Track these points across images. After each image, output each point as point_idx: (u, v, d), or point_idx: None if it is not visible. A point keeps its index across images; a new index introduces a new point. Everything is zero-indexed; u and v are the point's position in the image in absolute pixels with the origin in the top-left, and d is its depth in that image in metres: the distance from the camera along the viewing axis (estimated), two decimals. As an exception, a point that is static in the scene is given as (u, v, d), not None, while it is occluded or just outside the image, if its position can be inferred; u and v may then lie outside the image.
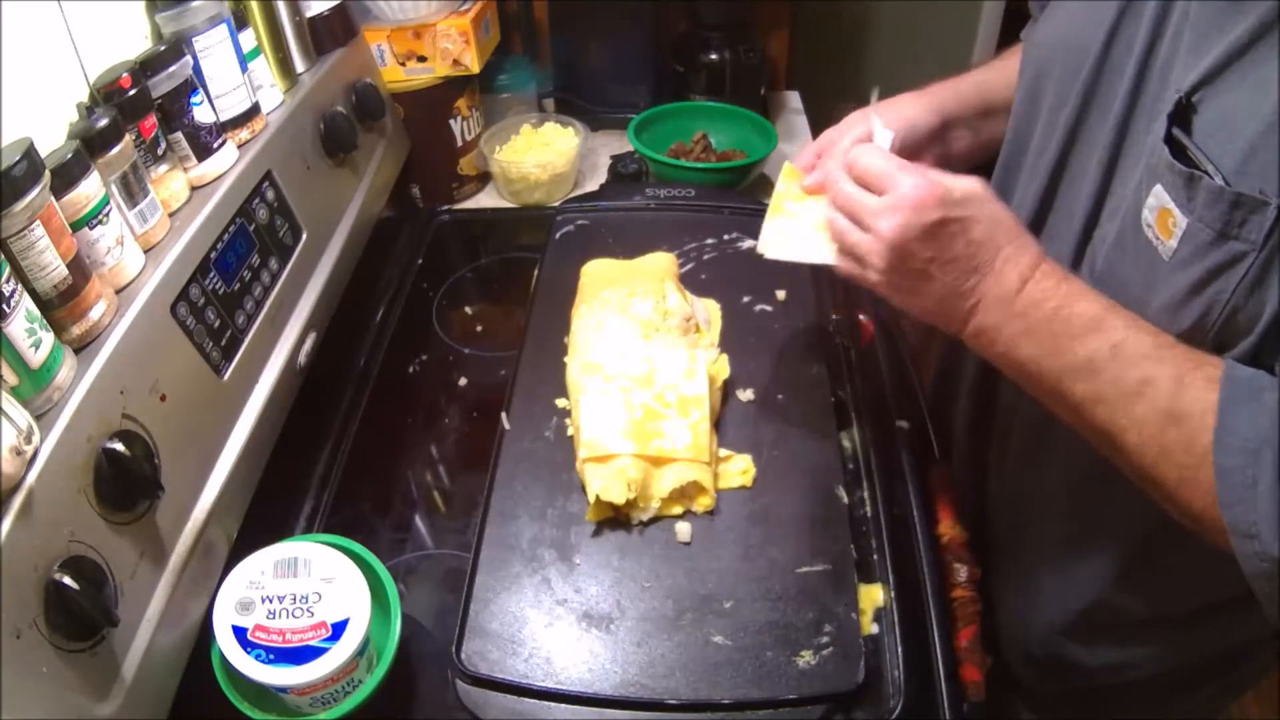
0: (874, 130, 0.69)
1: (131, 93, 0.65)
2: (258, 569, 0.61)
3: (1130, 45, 0.59)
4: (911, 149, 0.73)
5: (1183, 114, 0.52)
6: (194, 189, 0.72)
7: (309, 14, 0.92)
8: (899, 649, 0.63)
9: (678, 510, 0.70)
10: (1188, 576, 0.71)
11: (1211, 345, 0.53)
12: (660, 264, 0.91)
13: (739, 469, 0.73)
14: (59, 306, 0.55)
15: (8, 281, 0.50)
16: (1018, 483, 0.81)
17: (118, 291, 0.62)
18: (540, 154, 1.18)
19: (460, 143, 1.17)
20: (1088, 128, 0.64)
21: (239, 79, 0.77)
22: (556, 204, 1.13)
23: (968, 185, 0.57)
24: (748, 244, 0.98)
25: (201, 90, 0.73)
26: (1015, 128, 0.75)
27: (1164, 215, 0.53)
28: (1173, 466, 0.51)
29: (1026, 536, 0.81)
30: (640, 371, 0.76)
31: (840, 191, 0.61)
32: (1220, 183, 0.48)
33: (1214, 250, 0.50)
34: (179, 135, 0.71)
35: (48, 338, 0.53)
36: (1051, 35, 0.69)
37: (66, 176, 0.57)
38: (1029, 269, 0.56)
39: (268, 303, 0.76)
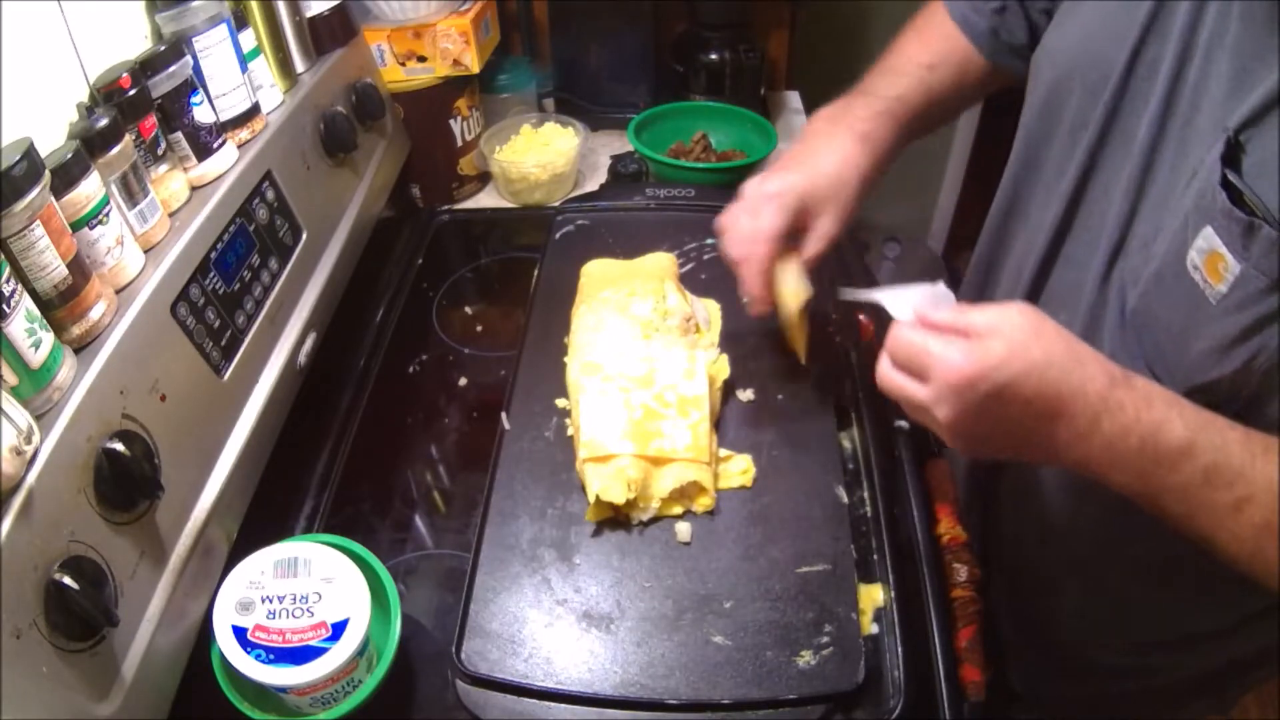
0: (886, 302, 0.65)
1: (131, 93, 0.65)
2: (258, 569, 0.61)
3: (1155, 67, 0.58)
4: (846, 212, 0.72)
5: (1231, 153, 0.50)
6: (194, 189, 0.72)
7: (309, 14, 0.92)
8: (899, 649, 0.63)
9: (678, 510, 0.70)
10: (1210, 595, 0.70)
11: (1258, 386, 0.52)
12: (660, 264, 0.91)
13: (739, 469, 0.73)
14: (59, 306, 0.55)
15: (8, 281, 0.50)
16: (1032, 495, 0.79)
17: (118, 291, 0.62)
18: (540, 154, 1.18)
19: (460, 143, 1.17)
20: (1109, 153, 0.63)
21: (239, 79, 0.77)
22: (556, 204, 1.13)
23: (1009, 336, 0.51)
24: (748, 244, 0.98)
25: (201, 90, 0.73)
26: (1026, 144, 0.73)
27: (1214, 259, 0.51)
28: (1273, 561, 0.50)
29: (1039, 544, 0.80)
30: (640, 371, 0.76)
31: (887, 381, 0.58)
32: (1275, 230, 0.47)
33: (1268, 297, 0.49)
34: (179, 135, 0.71)
35: (48, 338, 0.53)
36: (1067, 48, 0.66)
37: (66, 176, 0.57)
38: (1099, 403, 0.51)
39: (268, 303, 0.76)
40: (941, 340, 0.53)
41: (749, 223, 0.70)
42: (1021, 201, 0.76)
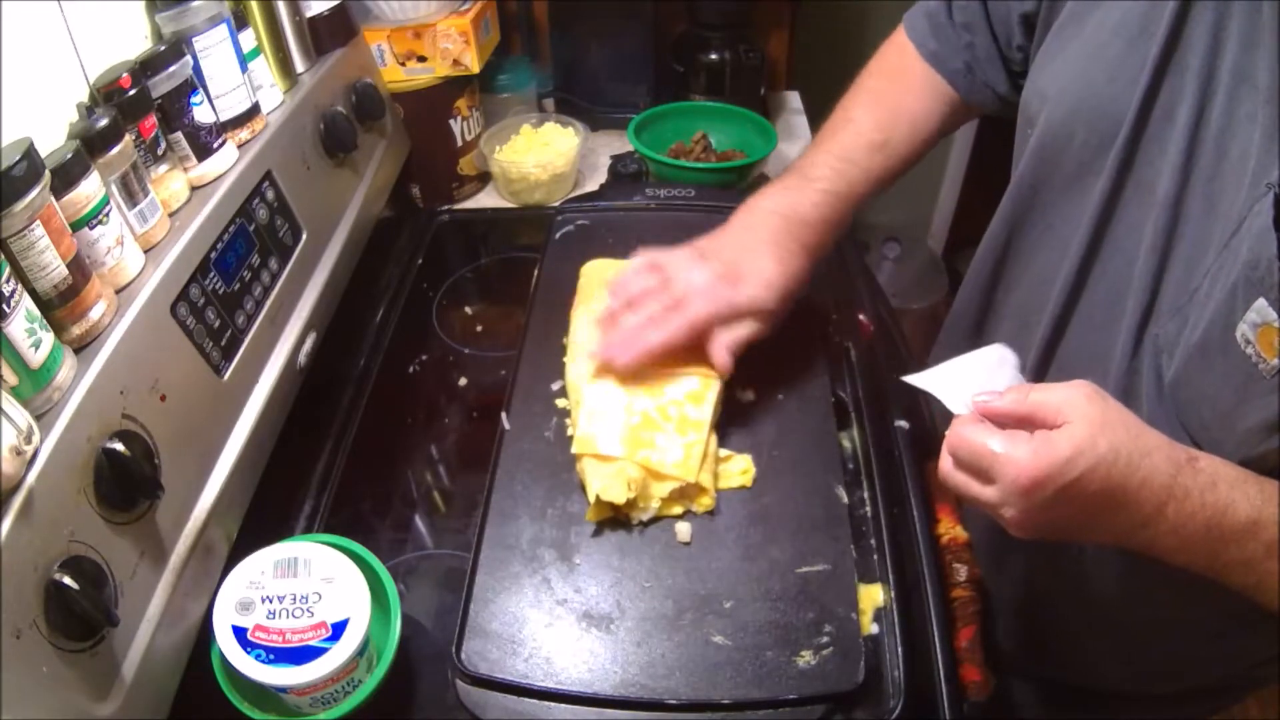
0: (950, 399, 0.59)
1: (131, 93, 0.65)
2: (258, 569, 0.61)
3: (1171, 113, 0.55)
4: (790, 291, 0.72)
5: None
6: (194, 189, 0.72)
7: (309, 14, 0.92)
8: (899, 649, 0.63)
9: (678, 510, 0.70)
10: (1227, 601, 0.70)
11: None
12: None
13: (739, 469, 0.73)
14: (59, 306, 0.55)
15: (8, 281, 0.50)
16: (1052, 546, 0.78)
17: (118, 291, 0.62)
18: (540, 154, 1.18)
19: (460, 143, 1.17)
20: (1126, 203, 0.59)
21: (239, 79, 0.77)
22: (556, 204, 1.13)
23: (1075, 430, 0.49)
24: (748, 244, 0.98)
25: (201, 90, 0.73)
26: (1021, 188, 0.70)
27: (1268, 333, 0.49)
28: None
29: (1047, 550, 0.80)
30: (650, 381, 0.75)
31: (950, 479, 0.56)
32: None
33: None
34: (179, 135, 0.71)
35: (48, 338, 0.53)
36: (1066, 89, 0.62)
37: (66, 176, 0.57)
38: (1164, 492, 0.50)
39: (268, 303, 0.76)
40: (1005, 440, 0.51)
41: (648, 326, 0.71)
42: (1020, 249, 0.73)
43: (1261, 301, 0.48)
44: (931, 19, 0.78)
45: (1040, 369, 0.70)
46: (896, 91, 0.79)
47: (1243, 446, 0.52)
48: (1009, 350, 0.60)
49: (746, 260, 0.72)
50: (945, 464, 0.56)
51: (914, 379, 0.60)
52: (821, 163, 0.77)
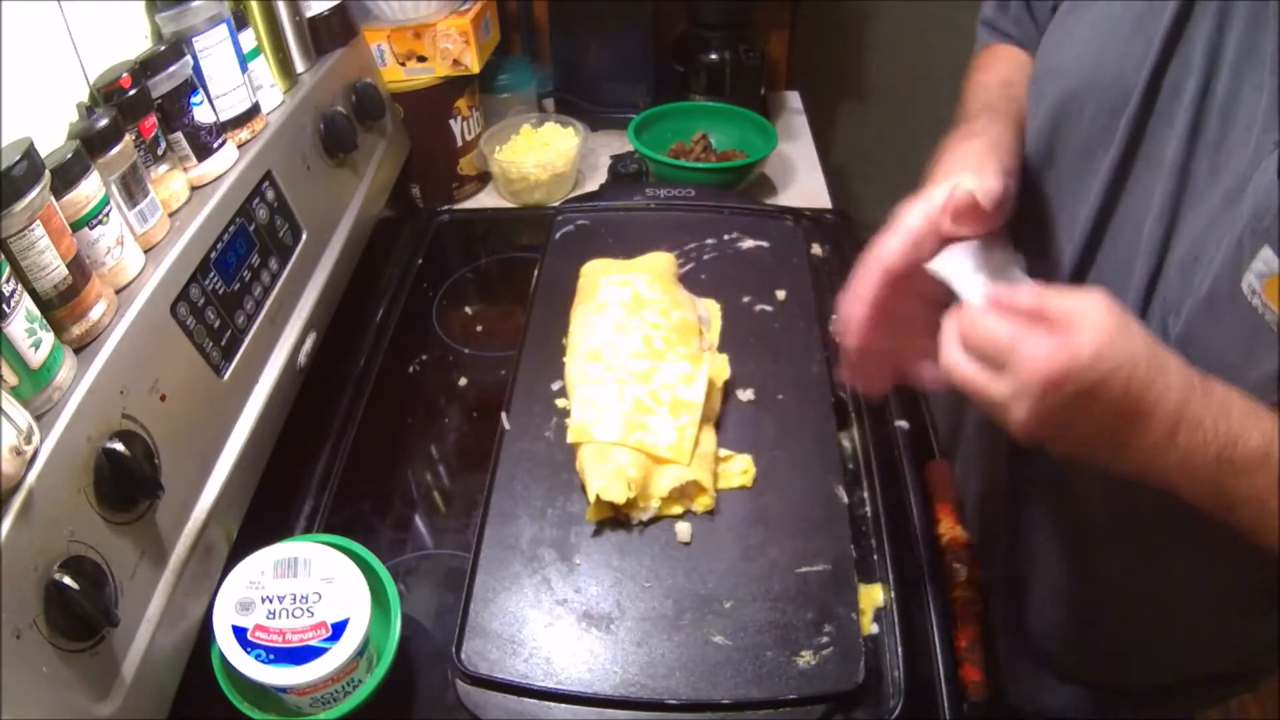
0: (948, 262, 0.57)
1: (131, 93, 0.65)
2: (258, 569, 0.61)
3: (1179, 87, 0.56)
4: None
5: None
6: (194, 189, 0.72)
7: (309, 14, 0.92)
8: (899, 649, 0.63)
9: (678, 510, 0.70)
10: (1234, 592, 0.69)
11: None
12: (660, 264, 0.91)
13: (739, 469, 0.73)
14: (59, 306, 0.55)
15: (8, 281, 0.50)
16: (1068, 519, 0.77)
17: (118, 291, 0.62)
18: (540, 154, 1.18)
19: (460, 143, 1.17)
20: (1136, 174, 0.60)
21: (239, 79, 0.77)
22: (556, 204, 1.13)
23: (1098, 330, 0.47)
24: (748, 244, 0.98)
25: (201, 90, 0.73)
26: (1030, 165, 0.70)
27: (1274, 283, 0.48)
28: None
29: (1050, 548, 0.79)
30: (642, 367, 0.76)
31: (957, 370, 0.52)
32: None
33: None
34: (179, 135, 0.71)
35: (48, 338, 0.53)
36: (1076, 68, 0.63)
37: (66, 176, 0.57)
38: (1177, 415, 0.48)
39: (268, 303, 0.76)
40: (1027, 332, 0.48)
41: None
42: (1029, 222, 0.72)
43: (1268, 250, 0.48)
44: (989, 16, 0.81)
45: None
46: (994, 68, 0.79)
47: None
48: (1017, 254, 0.58)
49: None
50: (954, 353, 0.51)
51: (931, 265, 0.56)
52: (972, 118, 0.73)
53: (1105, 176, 0.62)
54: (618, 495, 0.67)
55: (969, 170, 0.61)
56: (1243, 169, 0.51)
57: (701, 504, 0.70)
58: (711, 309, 0.89)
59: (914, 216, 0.58)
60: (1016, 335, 0.48)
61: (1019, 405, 0.48)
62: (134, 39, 0.74)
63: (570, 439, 0.73)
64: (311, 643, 0.58)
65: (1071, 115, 0.64)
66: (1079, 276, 0.66)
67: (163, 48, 0.69)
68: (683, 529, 0.69)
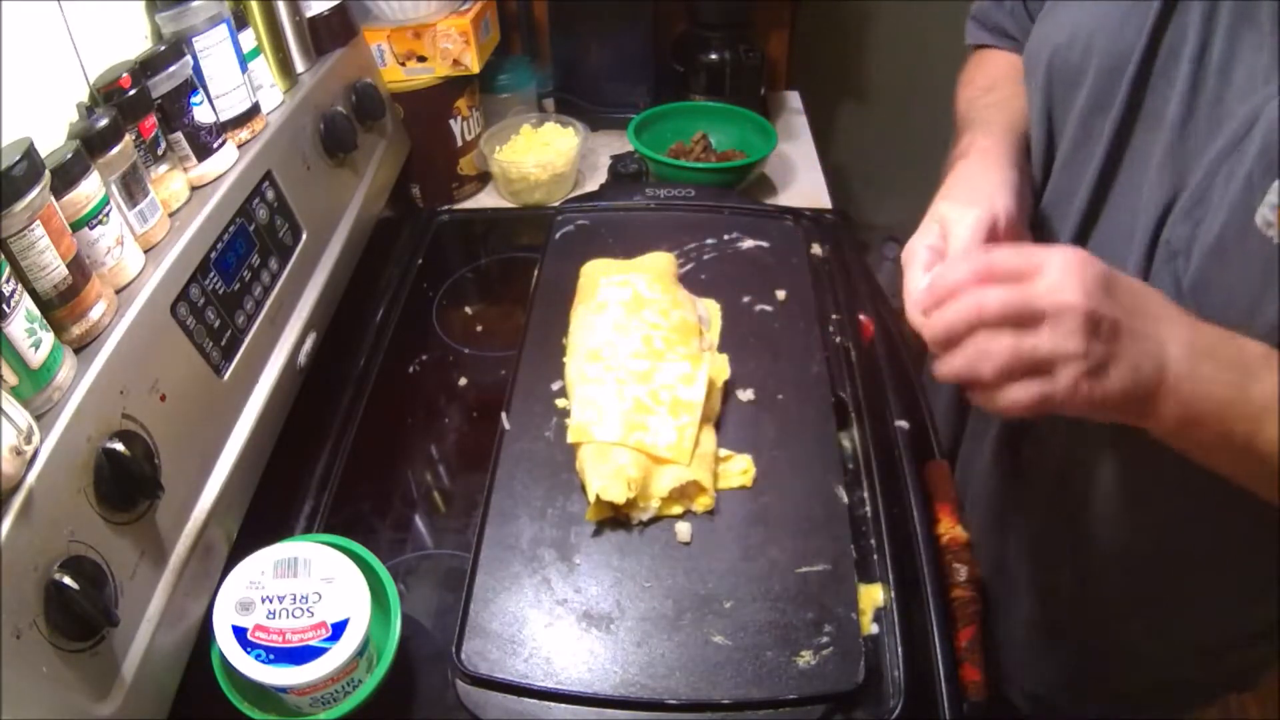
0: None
1: (131, 93, 0.65)
2: (258, 569, 0.61)
3: (1176, 50, 0.58)
4: (1014, 220, 0.63)
5: None
6: (194, 189, 0.72)
7: (309, 14, 0.92)
8: (899, 649, 0.63)
9: (678, 510, 0.70)
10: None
11: None
12: (660, 264, 0.91)
13: (739, 469, 0.73)
14: (59, 306, 0.55)
15: (8, 281, 0.50)
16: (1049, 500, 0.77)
17: (118, 291, 0.62)
18: (540, 154, 1.18)
19: (460, 143, 1.17)
20: (1138, 132, 0.61)
21: (239, 79, 0.77)
22: (556, 204, 1.13)
23: (1064, 253, 0.49)
24: (748, 244, 0.98)
25: (201, 90, 0.73)
26: (1035, 141, 0.71)
27: None
28: None
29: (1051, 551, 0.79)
30: (642, 367, 0.76)
31: (990, 303, 0.49)
32: None
33: None
34: (179, 135, 0.71)
35: (48, 338, 0.53)
36: (1070, 38, 0.65)
37: (66, 176, 0.57)
38: (1184, 313, 0.50)
39: (268, 303, 0.76)
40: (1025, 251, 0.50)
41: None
42: (1033, 196, 0.73)
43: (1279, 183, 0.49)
44: (977, 15, 0.83)
45: None
46: (981, 71, 0.81)
47: (1268, 340, 0.51)
48: None
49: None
50: (966, 290, 0.50)
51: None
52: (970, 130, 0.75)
53: (1107, 138, 0.63)
54: (618, 495, 0.67)
55: (963, 201, 0.62)
56: (1245, 115, 0.53)
57: (701, 504, 0.70)
58: (711, 309, 0.89)
59: (921, 253, 0.60)
60: (1029, 251, 0.49)
61: (1063, 291, 0.47)
62: (134, 39, 0.74)
63: (570, 439, 0.73)
64: (311, 643, 0.58)
65: (1071, 84, 0.65)
66: (1083, 237, 0.67)
67: (163, 48, 0.69)
68: (683, 529, 0.69)
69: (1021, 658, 0.85)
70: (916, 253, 0.60)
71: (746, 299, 0.91)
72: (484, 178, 1.24)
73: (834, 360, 0.85)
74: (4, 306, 0.50)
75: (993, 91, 0.77)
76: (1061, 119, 0.68)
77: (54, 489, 0.50)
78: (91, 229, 0.59)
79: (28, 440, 0.48)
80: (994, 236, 0.60)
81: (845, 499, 0.71)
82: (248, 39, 0.81)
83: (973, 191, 0.63)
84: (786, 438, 0.76)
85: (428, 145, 1.15)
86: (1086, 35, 0.64)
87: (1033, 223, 0.72)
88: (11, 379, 0.50)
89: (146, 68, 0.68)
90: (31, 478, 0.49)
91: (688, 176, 1.14)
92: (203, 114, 0.72)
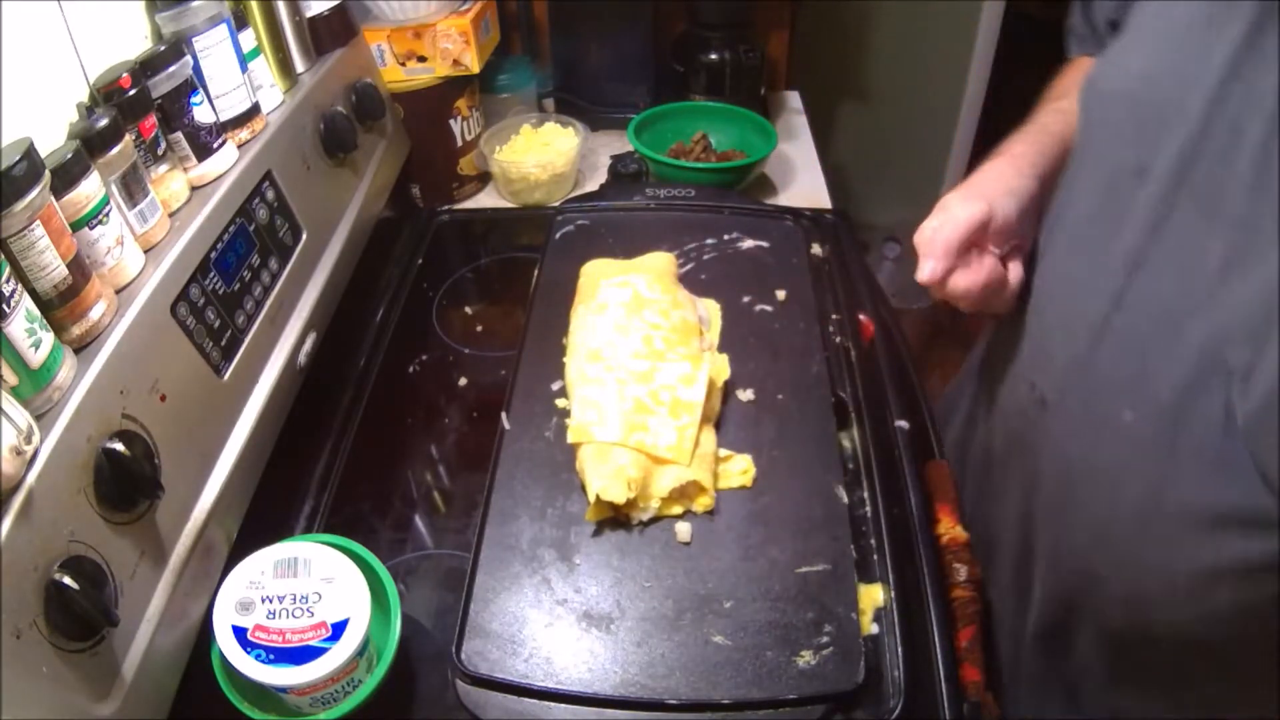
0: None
1: (131, 93, 0.65)
2: (258, 569, 0.61)
3: (1240, 127, 0.49)
4: (1010, 225, 0.65)
5: None
6: (194, 189, 0.73)
7: (309, 14, 0.92)
8: (899, 649, 0.63)
9: (678, 510, 0.70)
10: None
11: None
12: (660, 264, 0.91)
13: (739, 469, 0.73)
14: (59, 306, 0.55)
15: (8, 281, 0.50)
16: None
17: (118, 291, 0.62)
18: (540, 154, 1.18)
19: (460, 143, 1.17)
20: (1181, 211, 0.53)
21: (239, 79, 0.77)
22: (556, 204, 1.13)
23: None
24: (748, 244, 0.98)
25: (201, 90, 0.73)
26: (1062, 190, 0.67)
27: None
28: None
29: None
30: (642, 367, 0.76)
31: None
32: None
33: None
34: (179, 135, 0.71)
35: (48, 338, 0.53)
36: (1120, 88, 0.58)
37: (66, 176, 0.57)
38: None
39: (268, 303, 0.76)
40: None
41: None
42: (1050, 258, 0.67)
43: None
44: (1072, 21, 0.79)
45: (1071, 384, 0.63)
46: (1063, 78, 0.79)
47: None
48: None
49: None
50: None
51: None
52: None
53: (1147, 208, 0.55)
54: (618, 495, 0.67)
55: (968, 195, 0.65)
56: None
57: (701, 504, 0.70)
58: (711, 309, 0.89)
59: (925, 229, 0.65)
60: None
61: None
62: (134, 39, 0.74)
63: (570, 439, 0.73)
64: (311, 643, 0.58)
65: (1109, 124, 0.59)
66: (1108, 320, 0.59)
67: (163, 48, 0.69)
68: (683, 529, 0.69)
69: (1020, 658, 0.84)
70: (922, 230, 0.65)
71: (746, 299, 0.91)
72: (484, 178, 1.24)
73: (834, 360, 0.85)
74: (4, 306, 0.50)
75: (1061, 99, 0.74)
76: (1094, 156, 0.62)
77: (54, 489, 0.50)
78: (91, 229, 0.59)
79: (28, 440, 0.48)
80: (981, 232, 0.64)
81: (845, 499, 0.71)
82: (248, 39, 0.81)
83: (981, 190, 0.65)
84: (786, 438, 0.76)
85: (428, 145, 1.15)
86: (1132, 87, 0.56)
87: (1042, 294, 0.69)
88: (11, 379, 0.50)
89: (146, 68, 0.68)
90: (31, 478, 0.49)
91: (688, 176, 1.14)
92: (203, 114, 0.72)
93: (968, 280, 0.64)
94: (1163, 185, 0.54)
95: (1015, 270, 0.69)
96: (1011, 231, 0.66)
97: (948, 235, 0.63)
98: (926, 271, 0.63)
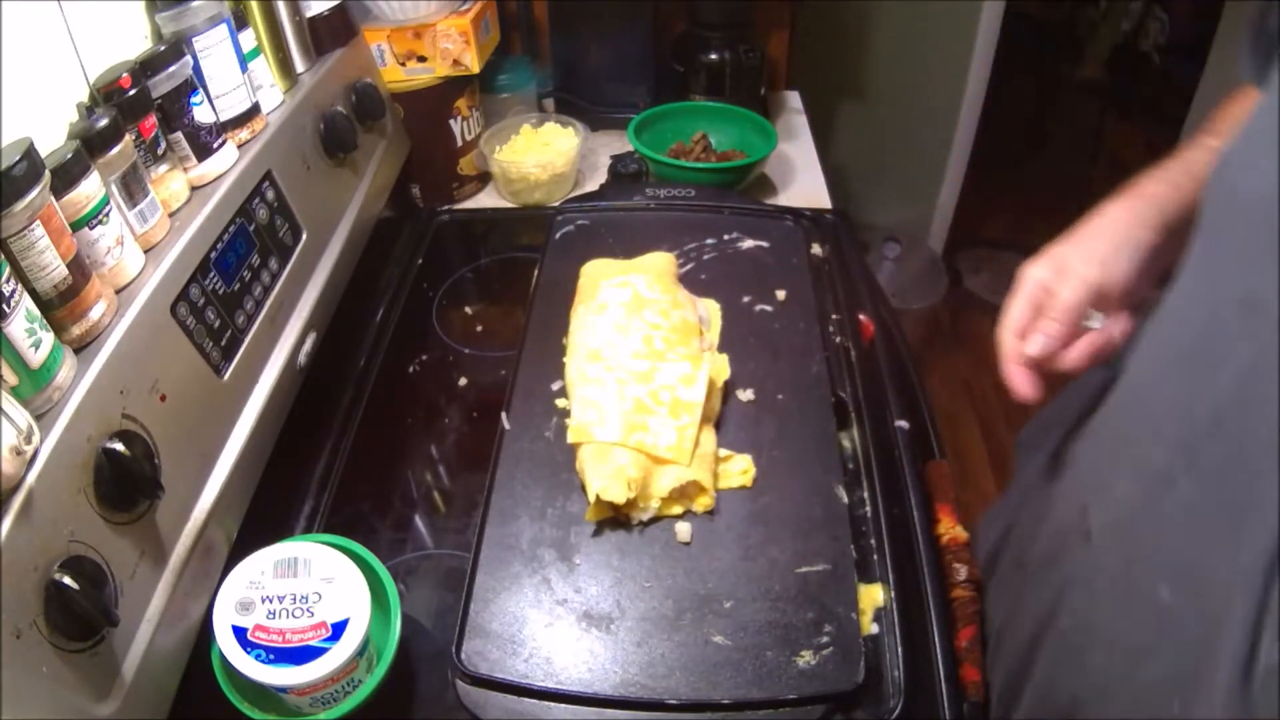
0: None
1: (131, 93, 0.65)
2: (258, 569, 0.61)
3: None
4: (1127, 282, 0.58)
5: None
6: (194, 189, 0.73)
7: (309, 14, 0.92)
8: (899, 649, 0.63)
9: (678, 510, 0.70)
10: None
11: None
12: (660, 264, 0.91)
13: (739, 469, 0.73)
14: (59, 306, 0.55)
15: (8, 281, 0.50)
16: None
17: (118, 291, 0.62)
18: (540, 154, 1.18)
19: (460, 143, 1.17)
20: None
21: (239, 79, 0.77)
22: (556, 204, 1.13)
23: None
24: (748, 244, 0.98)
25: (201, 90, 0.73)
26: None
27: None
28: None
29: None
30: (642, 367, 0.76)
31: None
32: None
33: None
34: (179, 135, 0.71)
35: (48, 338, 0.53)
36: (1249, 184, 0.42)
37: (66, 176, 0.57)
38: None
39: (268, 303, 0.76)
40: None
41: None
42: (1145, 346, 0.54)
43: None
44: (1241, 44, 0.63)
45: (1121, 531, 0.53)
46: (1229, 106, 0.65)
47: None
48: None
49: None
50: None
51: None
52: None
53: (1248, 354, 0.41)
54: (618, 495, 0.67)
55: (1086, 256, 0.59)
56: None
57: (701, 504, 0.70)
58: (711, 309, 0.89)
59: (1029, 283, 0.61)
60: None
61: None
62: (134, 39, 0.74)
63: (570, 439, 0.73)
64: (311, 643, 0.58)
65: (1225, 234, 0.46)
66: (1184, 471, 0.45)
67: (163, 48, 0.69)
68: (683, 529, 0.69)
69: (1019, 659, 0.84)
70: (1027, 280, 0.61)
71: (746, 299, 0.91)
72: (484, 178, 1.24)
73: (834, 360, 0.85)
74: (4, 306, 0.50)
75: (1216, 137, 0.62)
76: (1201, 282, 0.49)
77: (54, 489, 0.50)
78: (91, 229, 0.59)
79: (28, 440, 0.48)
80: (1099, 301, 0.58)
81: (845, 499, 0.71)
82: (248, 39, 0.81)
83: (1096, 248, 0.59)
84: (786, 438, 0.76)
85: (428, 145, 1.15)
86: (1255, 179, 0.41)
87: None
88: (11, 379, 0.50)
89: (146, 68, 0.68)
90: (31, 478, 0.49)
91: (688, 176, 1.14)
92: (203, 114, 0.72)
93: (1078, 354, 0.58)
94: (1274, 328, 0.39)
95: (1120, 325, 0.59)
96: (1126, 295, 0.57)
97: (1069, 300, 0.56)
98: (1039, 345, 0.57)
